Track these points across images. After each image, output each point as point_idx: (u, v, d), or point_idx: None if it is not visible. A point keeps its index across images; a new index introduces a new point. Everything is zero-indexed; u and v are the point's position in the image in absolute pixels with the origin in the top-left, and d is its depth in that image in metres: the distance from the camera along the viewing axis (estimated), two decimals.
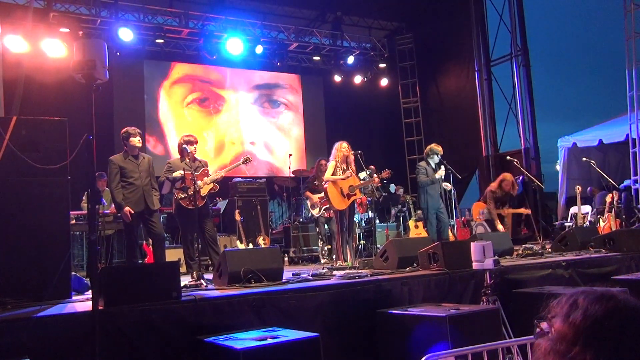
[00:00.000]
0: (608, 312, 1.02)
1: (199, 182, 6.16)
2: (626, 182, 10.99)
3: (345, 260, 6.81)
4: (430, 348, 3.01)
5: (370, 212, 8.48)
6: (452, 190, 8.52)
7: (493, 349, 2.86)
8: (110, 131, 11.06)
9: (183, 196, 6.17)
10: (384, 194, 10.57)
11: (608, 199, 9.78)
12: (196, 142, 6.46)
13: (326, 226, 8.44)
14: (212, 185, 6.37)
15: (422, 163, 8.31)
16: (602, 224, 9.63)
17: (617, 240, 6.82)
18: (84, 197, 8.64)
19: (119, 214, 6.35)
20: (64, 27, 10.32)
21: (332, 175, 7.04)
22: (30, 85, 9.42)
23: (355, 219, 8.08)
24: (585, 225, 10.00)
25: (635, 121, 10.73)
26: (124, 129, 6.46)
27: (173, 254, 7.61)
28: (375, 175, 7.36)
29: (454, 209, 9.15)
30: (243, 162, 6.96)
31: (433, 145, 8.35)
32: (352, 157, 7.12)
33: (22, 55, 9.28)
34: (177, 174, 6.23)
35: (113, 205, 7.27)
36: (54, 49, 9.54)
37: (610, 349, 0.98)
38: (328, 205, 7.66)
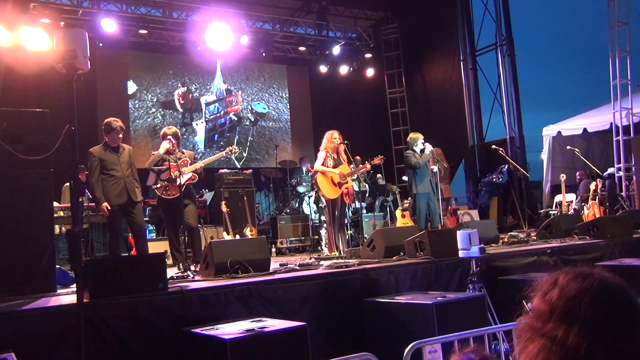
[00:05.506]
0: (582, 290, 1.03)
1: (177, 172, 6.18)
2: (610, 170, 11.11)
3: (338, 250, 6.79)
4: (417, 336, 3.02)
5: (357, 202, 8.45)
6: (438, 173, 8.48)
7: (479, 335, 2.88)
8: (94, 123, 10.90)
9: (158, 185, 6.20)
10: (367, 185, 10.55)
11: (592, 186, 9.89)
12: (177, 134, 6.63)
13: (322, 217, 8.34)
14: (190, 175, 6.33)
15: (409, 151, 8.34)
16: (586, 211, 9.74)
17: (600, 227, 6.91)
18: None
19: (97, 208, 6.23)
20: (45, 17, 10.14)
21: (322, 165, 7.02)
22: (10, 76, 9.25)
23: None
24: (569, 212, 10.10)
25: (618, 109, 10.84)
26: (107, 120, 6.36)
27: (159, 246, 7.55)
28: (366, 162, 7.33)
29: (439, 196, 9.13)
30: (226, 153, 6.93)
31: (412, 134, 8.45)
32: (342, 147, 7.10)
33: (2, 46, 9.10)
34: (153, 161, 6.34)
35: None
36: (34, 39, 9.36)
37: (581, 326, 0.99)
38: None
